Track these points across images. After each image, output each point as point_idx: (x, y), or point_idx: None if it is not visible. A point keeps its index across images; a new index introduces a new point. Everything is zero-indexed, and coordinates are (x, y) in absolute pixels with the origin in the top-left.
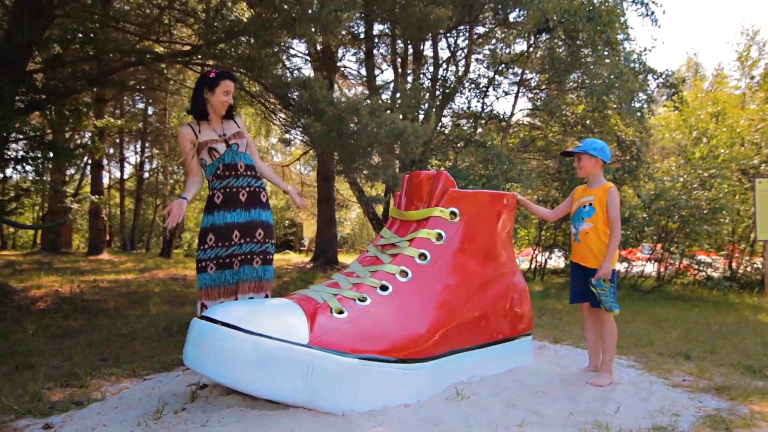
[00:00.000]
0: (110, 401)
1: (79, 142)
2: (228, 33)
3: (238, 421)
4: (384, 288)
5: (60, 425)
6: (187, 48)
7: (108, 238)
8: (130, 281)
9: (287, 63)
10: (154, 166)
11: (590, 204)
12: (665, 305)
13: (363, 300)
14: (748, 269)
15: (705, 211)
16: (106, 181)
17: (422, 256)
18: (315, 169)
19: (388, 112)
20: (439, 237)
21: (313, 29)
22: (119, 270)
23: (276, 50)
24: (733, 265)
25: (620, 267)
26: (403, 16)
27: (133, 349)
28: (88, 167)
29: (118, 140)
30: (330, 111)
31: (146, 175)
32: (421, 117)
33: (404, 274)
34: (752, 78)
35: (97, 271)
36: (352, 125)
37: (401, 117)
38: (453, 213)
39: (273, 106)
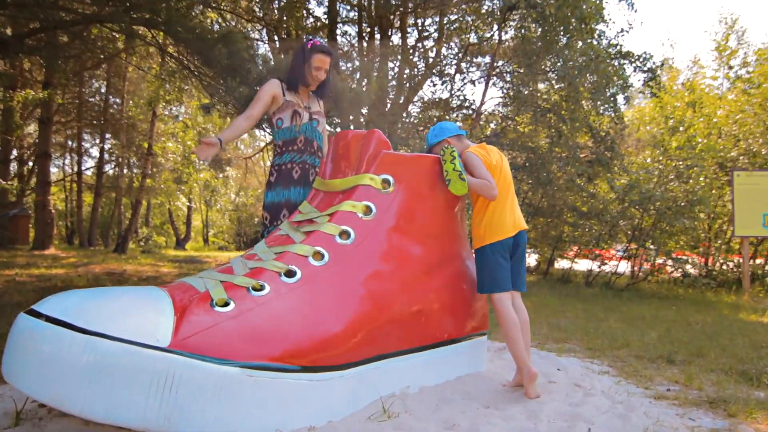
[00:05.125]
0: None
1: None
2: None
3: None
4: (290, 274)
5: None
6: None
7: (68, 233)
8: (57, 276)
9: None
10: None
11: None
12: (641, 303)
13: (259, 289)
14: (724, 267)
15: (682, 204)
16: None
17: (344, 234)
18: None
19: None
20: (368, 211)
21: None
22: (55, 265)
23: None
24: (709, 262)
25: (593, 266)
26: None
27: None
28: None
29: (76, 131)
30: (255, 70)
31: (106, 167)
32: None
33: (319, 256)
34: (730, 68)
35: (30, 266)
36: None
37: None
38: (386, 181)
39: (196, 68)
